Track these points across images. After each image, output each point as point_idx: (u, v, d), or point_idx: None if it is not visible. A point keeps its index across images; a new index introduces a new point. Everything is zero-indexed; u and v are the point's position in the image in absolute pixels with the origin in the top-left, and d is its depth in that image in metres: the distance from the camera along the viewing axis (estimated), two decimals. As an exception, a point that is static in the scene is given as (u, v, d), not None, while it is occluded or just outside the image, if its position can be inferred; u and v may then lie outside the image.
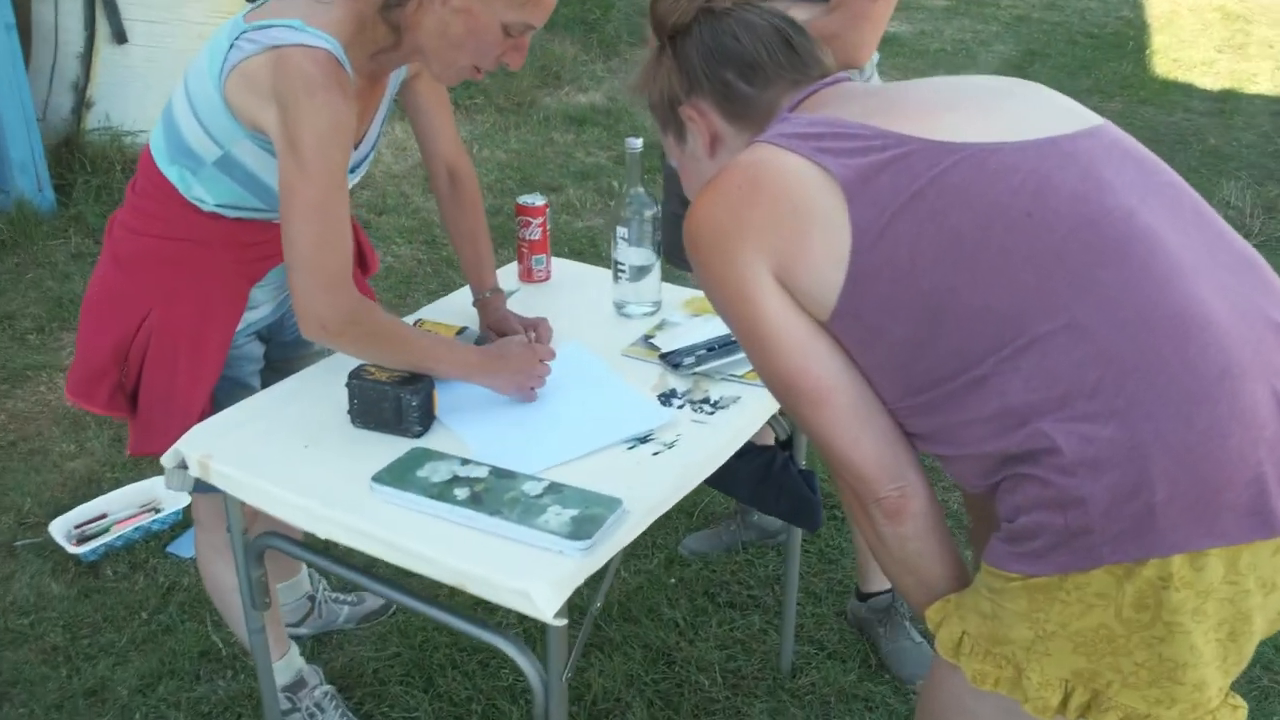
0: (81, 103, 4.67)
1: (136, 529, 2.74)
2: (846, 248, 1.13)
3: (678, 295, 2.11)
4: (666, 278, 2.10)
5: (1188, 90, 6.94)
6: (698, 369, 1.82)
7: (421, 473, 1.55)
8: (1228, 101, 6.70)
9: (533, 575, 1.38)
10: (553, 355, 1.77)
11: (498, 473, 1.55)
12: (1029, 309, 1.08)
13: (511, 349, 1.73)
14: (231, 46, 1.59)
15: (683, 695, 2.26)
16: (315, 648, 2.41)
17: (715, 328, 1.97)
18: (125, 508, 2.82)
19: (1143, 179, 1.15)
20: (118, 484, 2.92)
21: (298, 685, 2.15)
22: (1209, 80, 7.18)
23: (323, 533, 1.53)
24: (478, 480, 1.53)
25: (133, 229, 1.80)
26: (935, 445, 1.19)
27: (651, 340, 1.95)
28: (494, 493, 1.50)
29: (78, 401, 1.84)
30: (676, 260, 2.36)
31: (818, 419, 1.20)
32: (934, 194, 1.11)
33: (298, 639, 2.41)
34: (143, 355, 1.80)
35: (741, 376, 1.82)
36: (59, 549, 2.68)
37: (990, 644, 1.17)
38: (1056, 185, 1.11)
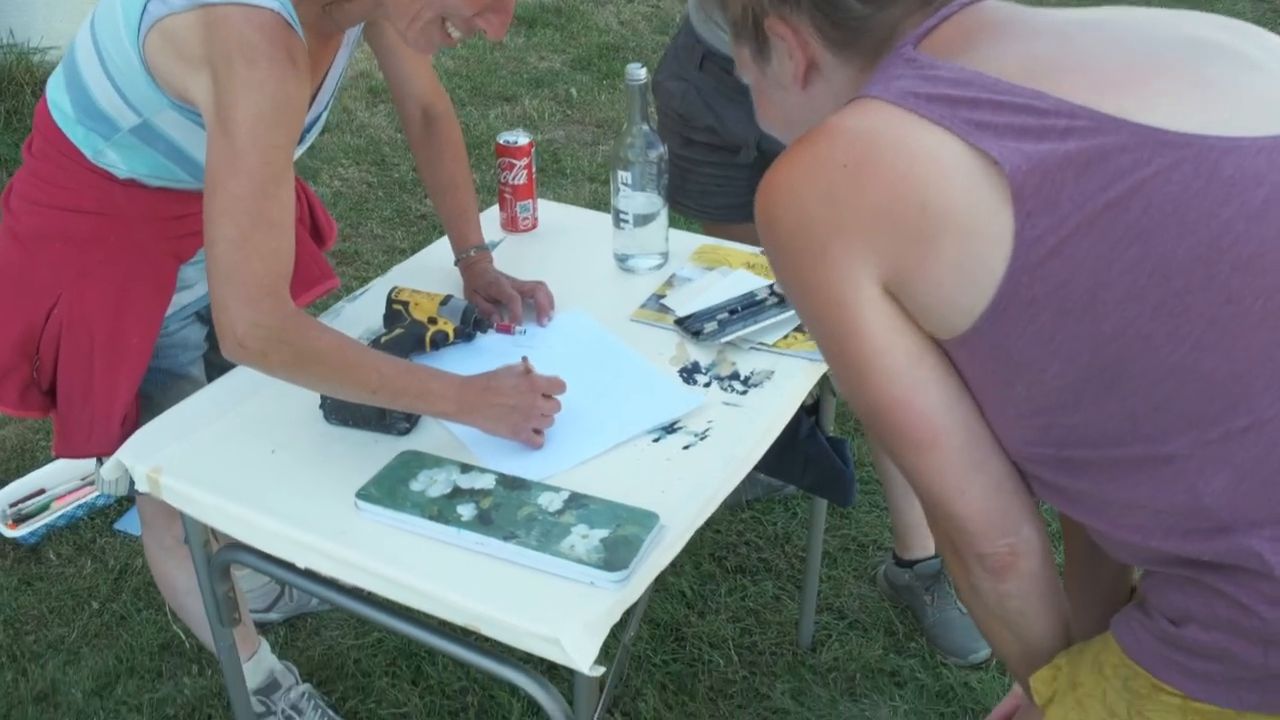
0: (-17, 16, 4.24)
1: (79, 505, 2.47)
2: (1002, 262, 0.83)
3: (686, 244, 1.87)
4: (672, 224, 1.84)
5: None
6: (723, 338, 1.58)
7: (415, 485, 1.31)
8: (1202, -13, 6.45)
9: (561, 617, 1.16)
10: (560, 387, 1.41)
11: (506, 482, 1.32)
12: (1255, 382, 0.81)
13: (504, 382, 1.37)
14: None
15: (696, 677, 2.07)
16: (289, 635, 2.19)
17: (732, 283, 1.73)
18: (65, 481, 2.55)
19: None
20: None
21: (271, 687, 1.94)
22: (1180, -36, 6.91)
23: (302, 562, 1.30)
24: (484, 493, 1.30)
25: (32, 199, 1.50)
26: (1076, 509, 0.94)
27: (663, 300, 1.71)
28: (505, 509, 1.27)
29: None
30: (674, 204, 2.11)
31: (916, 462, 0.95)
32: (1139, 206, 0.81)
33: (267, 626, 2.19)
34: (55, 348, 1.53)
35: (773, 345, 1.59)
36: (-7, 532, 2.42)
37: None
38: None
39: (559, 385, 1.40)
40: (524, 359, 1.42)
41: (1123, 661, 0.94)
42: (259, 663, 1.92)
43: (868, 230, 0.87)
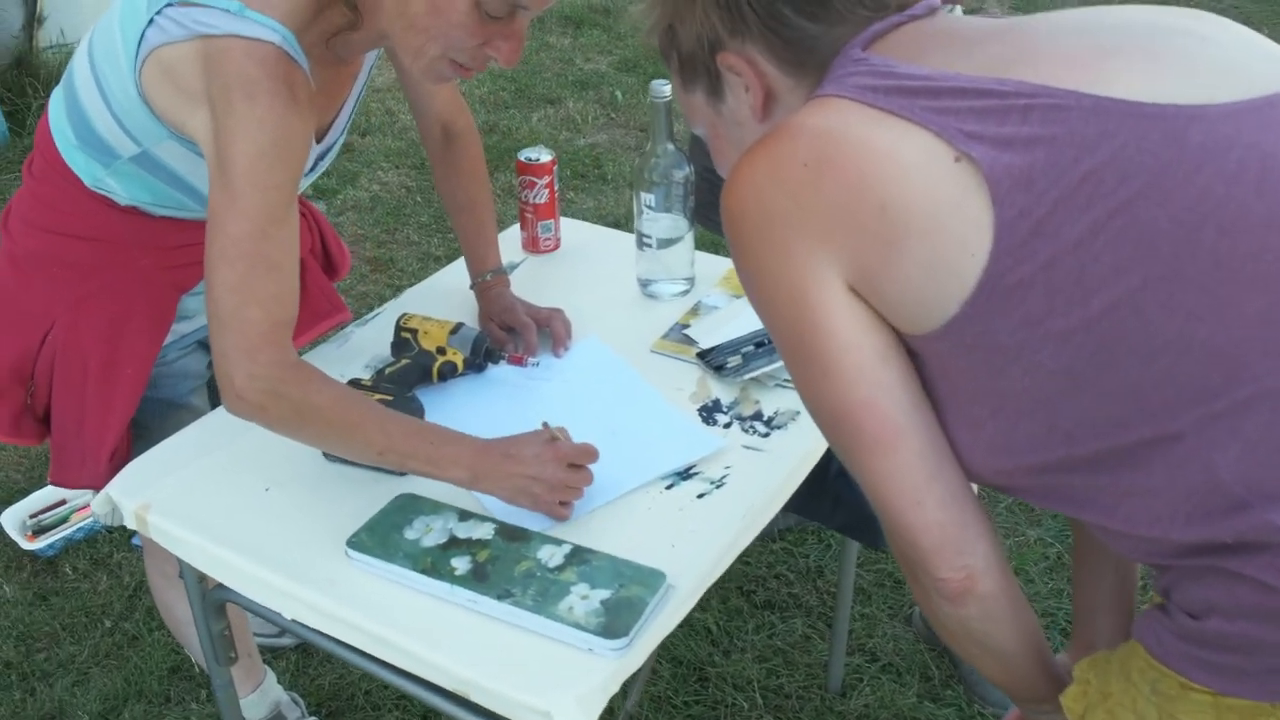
0: (33, 17, 4.23)
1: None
2: (984, 248, 0.81)
3: (713, 269, 1.77)
4: (699, 246, 1.75)
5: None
6: (746, 374, 1.49)
7: (410, 533, 1.23)
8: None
9: (554, 687, 1.07)
10: (591, 457, 1.26)
11: (505, 532, 1.24)
12: (1253, 349, 0.78)
13: (526, 450, 1.23)
14: (150, 22, 1.21)
15: (719, 720, 1.98)
16: (300, 662, 2.13)
17: (761, 312, 1.64)
18: (85, 491, 2.50)
19: None
20: (77, 462, 2.61)
21: (277, 720, 1.88)
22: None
23: (289, 612, 1.23)
24: (480, 545, 1.22)
25: (30, 222, 1.45)
26: (1085, 512, 0.88)
27: (686, 331, 1.61)
28: (502, 563, 1.19)
29: None
30: (706, 221, 2.01)
31: (875, 466, 0.91)
32: (1114, 176, 0.79)
33: (279, 651, 2.13)
34: (50, 374, 1.47)
35: (799, 383, 1.49)
36: (11, 544, 2.38)
37: None
38: None
39: (589, 454, 1.26)
40: (562, 428, 1.30)
41: (1149, 664, 0.90)
42: (264, 695, 1.86)
43: (830, 228, 0.86)
